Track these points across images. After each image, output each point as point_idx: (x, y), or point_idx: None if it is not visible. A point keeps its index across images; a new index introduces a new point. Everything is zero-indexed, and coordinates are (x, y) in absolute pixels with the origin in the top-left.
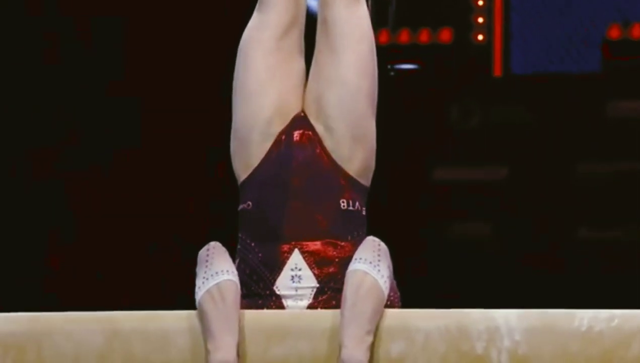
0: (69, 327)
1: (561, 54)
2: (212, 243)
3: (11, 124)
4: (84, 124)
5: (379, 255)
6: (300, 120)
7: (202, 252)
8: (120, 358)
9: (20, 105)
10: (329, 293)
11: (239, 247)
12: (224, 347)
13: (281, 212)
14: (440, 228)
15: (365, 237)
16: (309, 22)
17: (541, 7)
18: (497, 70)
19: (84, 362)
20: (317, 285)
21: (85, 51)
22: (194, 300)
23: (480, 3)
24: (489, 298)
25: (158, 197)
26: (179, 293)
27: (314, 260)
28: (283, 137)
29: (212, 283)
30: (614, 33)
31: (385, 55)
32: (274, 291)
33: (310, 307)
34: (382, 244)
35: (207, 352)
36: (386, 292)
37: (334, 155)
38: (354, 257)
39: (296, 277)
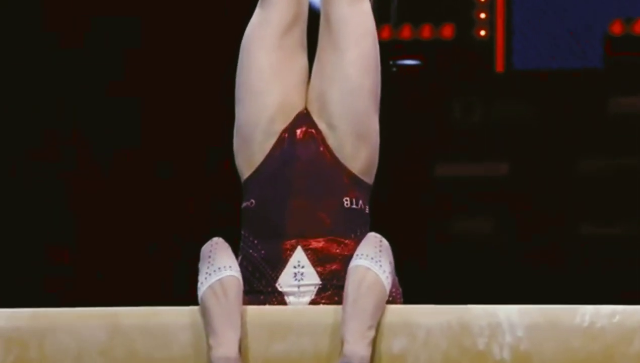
0: (72, 323)
1: (563, 50)
2: (215, 239)
3: (11, 124)
4: (84, 123)
5: (380, 251)
6: (303, 118)
7: (205, 248)
8: (123, 354)
9: (20, 105)
10: (331, 290)
11: (241, 244)
12: (226, 343)
13: (284, 209)
14: (442, 224)
15: None
16: (311, 18)
17: (543, 3)
18: (499, 66)
19: (86, 358)
20: (320, 283)
21: (86, 51)
22: (194, 299)
23: None
24: (490, 294)
25: (158, 197)
26: (179, 293)
27: (317, 258)
28: (286, 135)
29: (214, 279)
30: (616, 29)
31: (387, 50)
32: (276, 288)
33: (312, 303)
34: (384, 240)
35: (209, 347)
36: (388, 287)
37: (337, 153)
38: (356, 253)
39: (299, 274)
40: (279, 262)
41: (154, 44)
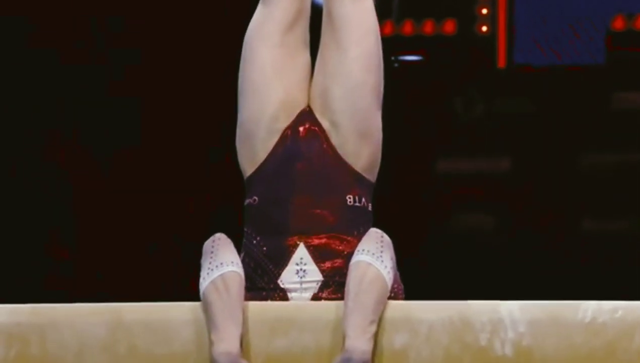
0: (73, 318)
1: (565, 46)
2: (218, 235)
3: (11, 124)
4: (84, 123)
5: (382, 247)
6: (306, 116)
7: (208, 243)
8: (124, 350)
9: (20, 105)
10: (333, 287)
11: (244, 241)
12: (228, 338)
13: (287, 206)
14: (444, 220)
15: None
16: (314, 15)
17: None
18: (501, 62)
19: (88, 354)
20: (322, 279)
21: (86, 51)
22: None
23: None
24: (492, 290)
25: (158, 196)
26: (178, 293)
27: (320, 255)
28: (289, 132)
29: (216, 274)
30: (618, 24)
31: (389, 46)
32: (278, 285)
33: (314, 299)
34: (385, 236)
35: (210, 342)
36: (389, 282)
37: (340, 151)
38: (357, 248)
39: (301, 271)
40: (282, 259)
41: (154, 44)
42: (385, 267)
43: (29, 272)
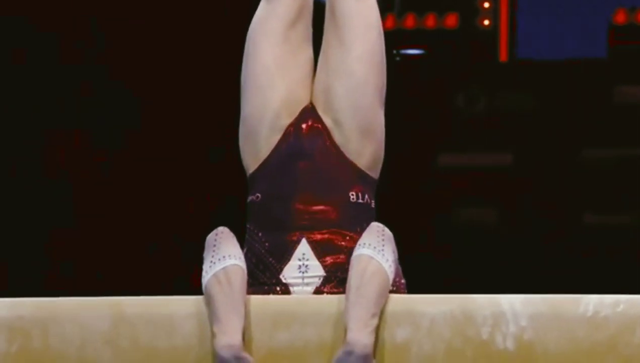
0: (75, 312)
1: (567, 39)
2: (220, 228)
3: (11, 124)
4: (84, 123)
5: (383, 240)
6: (309, 113)
7: (210, 237)
8: (126, 344)
9: (20, 106)
10: (335, 282)
11: (246, 237)
12: (230, 331)
13: (290, 203)
14: (446, 214)
15: None
16: (317, 11)
17: None
18: (503, 56)
19: (90, 347)
20: (324, 274)
21: (86, 51)
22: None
23: None
24: (494, 284)
25: (158, 197)
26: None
27: (322, 250)
28: (292, 129)
29: (219, 267)
30: (620, 18)
31: (391, 40)
32: (280, 280)
33: (316, 293)
34: (387, 230)
35: (213, 335)
36: (391, 276)
37: (343, 149)
38: (359, 242)
39: (303, 267)
40: (284, 255)
41: (154, 44)
42: (387, 260)
43: (29, 272)
